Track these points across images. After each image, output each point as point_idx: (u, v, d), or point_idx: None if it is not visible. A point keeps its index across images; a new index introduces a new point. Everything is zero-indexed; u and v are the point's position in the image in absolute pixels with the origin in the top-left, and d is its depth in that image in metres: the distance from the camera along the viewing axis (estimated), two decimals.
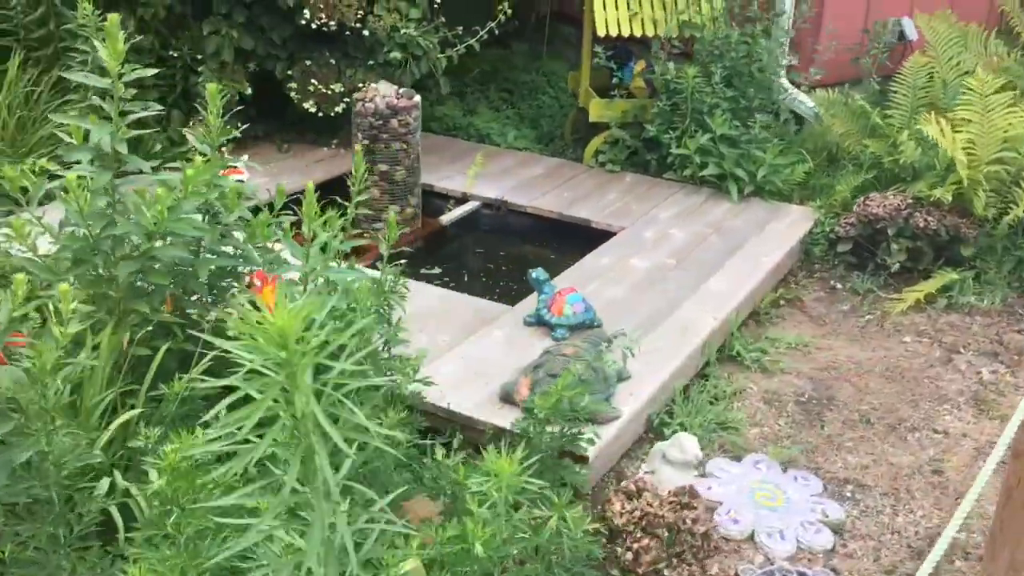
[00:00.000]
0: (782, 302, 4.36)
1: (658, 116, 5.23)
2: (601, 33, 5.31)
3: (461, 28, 5.32)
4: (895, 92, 5.16)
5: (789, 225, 4.73)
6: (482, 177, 5.20)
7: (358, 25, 5.09)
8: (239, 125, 5.37)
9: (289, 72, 5.27)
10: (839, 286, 4.52)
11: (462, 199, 5.03)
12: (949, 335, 4.10)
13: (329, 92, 5.21)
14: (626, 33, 5.32)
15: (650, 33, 5.30)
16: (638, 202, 4.96)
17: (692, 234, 4.58)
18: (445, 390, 3.20)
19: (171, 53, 5.21)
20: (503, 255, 4.70)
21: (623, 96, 5.45)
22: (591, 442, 2.81)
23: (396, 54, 5.04)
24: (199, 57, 5.14)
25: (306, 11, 4.98)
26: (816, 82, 5.79)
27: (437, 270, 4.44)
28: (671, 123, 5.21)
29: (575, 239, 4.67)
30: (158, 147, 5.02)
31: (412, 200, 4.57)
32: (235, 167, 4.73)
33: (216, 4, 5.04)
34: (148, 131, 4.90)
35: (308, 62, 5.24)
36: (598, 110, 5.40)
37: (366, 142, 4.42)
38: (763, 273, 4.21)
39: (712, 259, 4.31)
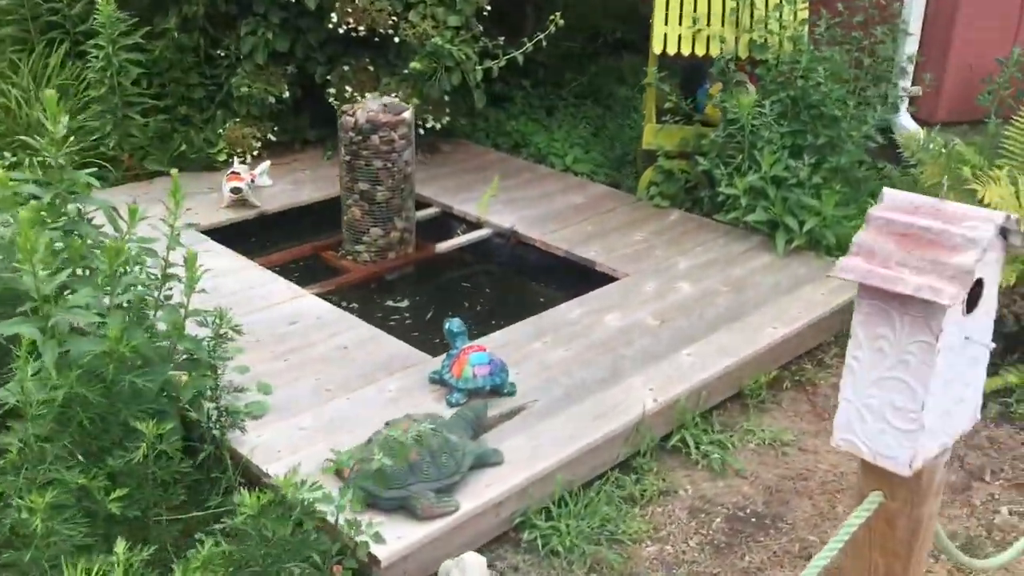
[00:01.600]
0: (787, 384, 3.62)
1: (712, 147, 4.56)
2: (656, 50, 4.69)
3: (503, 38, 4.88)
4: (1008, 138, 4.21)
5: (831, 290, 3.94)
6: (511, 202, 4.75)
7: (390, 32, 4.78)
8: (274, 129, 5.27)
9: (328, 77, 5.06)
10: None
11: (477, 224, 4.61)
12: (981, 454, 3.23)
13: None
14: (686, 51, 4.67)
15: (715, 53, 4.63)
16: (666, 245, 4.33)
17: (703, 290, 3.92)
18: (283, 453, 2.84)
19: (219, 52, 5.14)
20: (488, 292, 4.24)
21: (677, 122, 4.80)
22: (364, 546, 2.35)
23: (416, 64, 4.68)
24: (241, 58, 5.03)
25: (333, 15, 4.74)
26: (931, 119, 4.90)
27: (404, 303, 4.06)
28: (726, 157, 4.53)
29: (576, 281, 4.13)
30: (183, 147, 4.96)
31: (399, 223, 4.21)
32: (236, 174, 4.59)
33: (255, 3, 4.89)
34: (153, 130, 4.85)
35: (346, 68, 5.01)
36: (649, 136, 4.79)
37: (347, 158, 4.11)
38: (759, 347, 3.51)
39: (706, 323, 3.65)
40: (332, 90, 5.01)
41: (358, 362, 3.33)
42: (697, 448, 3.18)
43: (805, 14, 4.62)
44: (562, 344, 3.49)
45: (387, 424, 2.76)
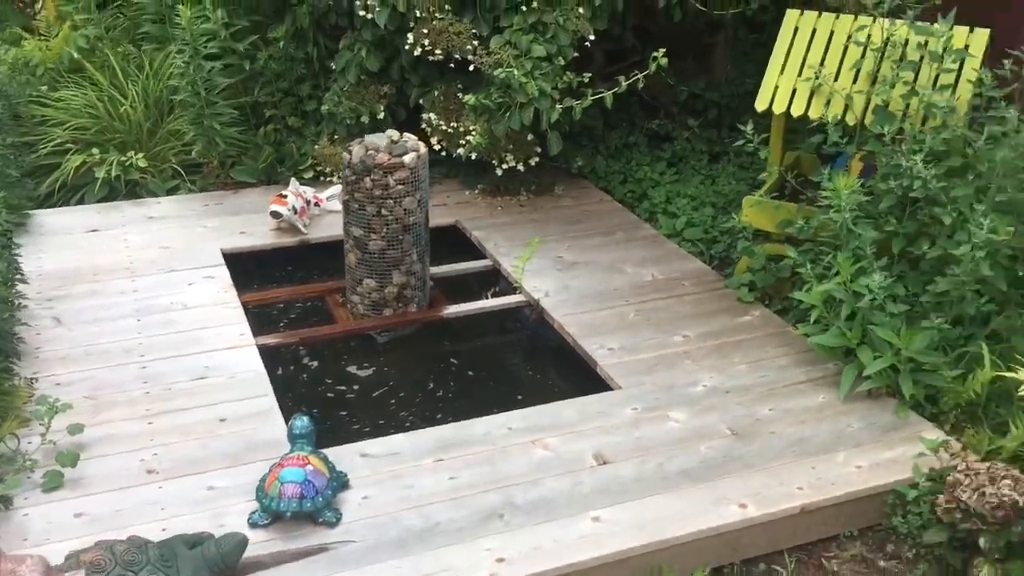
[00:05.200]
0: None
1: (807, 236, 3.54)
2: (759, 107, 3.72)
3: (584, 74, 4.12)
4: None
5: (877, 465, 2.85)
6: (571, 267, 4.04)
7: (469, 58, 4.25)
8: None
9: (421, 101, 4.64)
10: None
11: (512, 289, 3.95)
12: None
13: (450, 130, 4.47)
14: (797, 111, 3.65)
15: (833, 116, 3.55)
16: (705, 356, 3.42)
17: (695, 429, 3.00)
18: (30, 543, 2.50)
19: (331, 65, 4.91)
20: (469, 375, 3.57)
21: (776, 196, 3.79)
22: None
23: (470, 98, 4.10)
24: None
25: (409, 35, 4.30)
26: None
27: (368, 371, 3.55)
28: (818, 252, 3.49)
29: (579, 380, 3.40)
30: (271, 160, 4.79)
31: (398, 278, 3.69)
32: (281, 196, 4.33)
33: (355, 19, 4.58)
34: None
35: (436, 92, 4.55)
36: (746, 210, 3.83)
37: (346, 198, 3.68)
38: (703, 526, 2.59)
39: (662, 477, 2.77)
40: (425, 115, 4.58)
41: (217, 442, 2.91)
42: None
43: (973, 75, 3.41)
44: (456, 469, 2.81)
45: (66, 557, 2.32)
